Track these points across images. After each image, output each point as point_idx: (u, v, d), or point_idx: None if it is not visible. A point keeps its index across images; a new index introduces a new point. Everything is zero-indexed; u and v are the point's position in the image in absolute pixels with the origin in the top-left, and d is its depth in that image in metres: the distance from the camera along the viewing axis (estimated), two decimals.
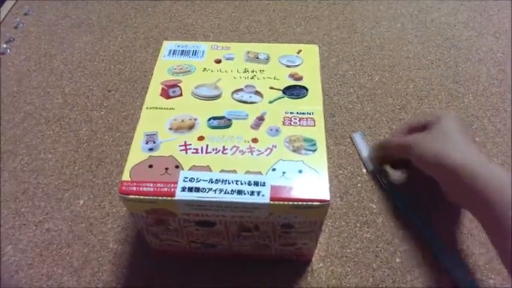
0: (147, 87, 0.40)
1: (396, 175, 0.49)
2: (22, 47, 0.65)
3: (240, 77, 0.40)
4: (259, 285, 0.42)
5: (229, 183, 0.32)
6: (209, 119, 0.37)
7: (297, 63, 0.42)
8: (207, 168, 0.33)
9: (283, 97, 0.39)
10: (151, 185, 0.32)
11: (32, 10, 0.71)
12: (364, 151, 0.51)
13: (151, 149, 0.35)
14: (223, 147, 0.35)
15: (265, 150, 0.34)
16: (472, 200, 0.38)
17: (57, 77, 0.61)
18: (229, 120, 0.37)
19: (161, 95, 0.39)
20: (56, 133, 0.54)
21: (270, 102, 0.38)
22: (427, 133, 0.42)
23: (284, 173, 0.33)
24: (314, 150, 0.35)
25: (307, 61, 0.42)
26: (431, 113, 0.47)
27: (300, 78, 0.40)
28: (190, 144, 0.35)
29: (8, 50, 0.65)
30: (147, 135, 0.36)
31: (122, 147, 0.52)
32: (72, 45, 0.66)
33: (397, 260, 0.43)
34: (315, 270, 0.42)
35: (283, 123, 0.36)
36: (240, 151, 0.34)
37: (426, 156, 0.40)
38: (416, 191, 0.47)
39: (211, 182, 0.32)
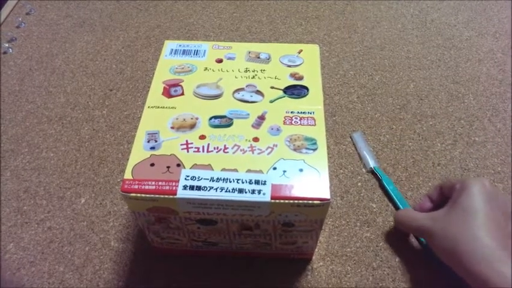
0: (149, 87, 0.40)
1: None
2: (24, 47, 0.66)
3: (241, 77, 0.41)
4: (259, 284, 0.42)
5: (230, 182, 0.33)
6: (210, 118, 0.37)
7: (297, 63, 0.42)
8: (209, 167, 0.33)
9: (284, 96, 0.39)
10: (153, 183, 0.33)
11: (34, 9, 0.72)
12: (364, 150, 0.51)
13: (153, 148, 0.35)
14: (225, 146, 0.35)
15: (266, 149, 0.35)
16: None
17: (59, 76, 0.61)
18: (231, 119, 0.37)
19: (163, 94, 0.39)
20: (58, 132, 0.54)
21: (271, 101, 0.39)
22: (447, 211, 0.37)
23: (285, 171, 0.33)
24: (315, 150, 0.35)
25: (308, 61, 0.42)
26: (457, 180, 0.40)
27: (301, 78, 0.41)
28: (191, 143, 0.35)
29: (10, 50, 0.65)
30: (148, 134, 0.36)
31: (124, 146, 0.53)
32: (74, 44, 0.66)
33: (397, 259, 0.43)
34: (315, 269, 0.43)
35: (284, 123, 0.37)
36: (241, 150, 0.35)
37: (443, 245, 0.36)
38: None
39: (213, 181, 0.33)
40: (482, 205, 0.36)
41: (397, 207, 0.46)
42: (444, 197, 0.41)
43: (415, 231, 0.42)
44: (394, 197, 0.47)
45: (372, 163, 0.50)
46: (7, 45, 0.65)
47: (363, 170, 0.50)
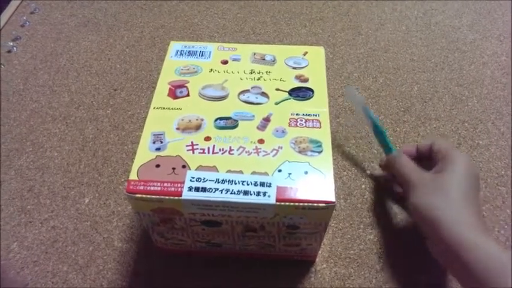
0: (153, 87, 0.40)
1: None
2: (28, 46, 0.66)
3: (247, 78, 0.41)
4: (262, 285, 0.42)
5: (235, 184, 0.33)
6: (216, 120, 0.37)
7: (303, 65, 0.42)
8: (214, 169, 0.34)
9: (289, 98, 0.39)
10: (159, 184, 0.33)
11: (38, 9, 0.72)
12: (360, 103, 0.48)
13: (158, 149, 0.35)
14: (230, 147, 0.35)
15: (271, 151, 0.35)
16: (460, 272, 0.36)
17: (64, 75, 0.61)
18: (236, 121, 0.37)
19: (168, 95, 0.39)
20: (62, 131, 0.55)
21: (276, 103, 0.39)
22: (433, 177, 0.39)
23: (290, 174, 0.33)
24: (320, 152, 0.35)
25: (313, 63, 0.42)
26: (447, 147, 0.41)
27: (306, 80, 0.41)
28: (197, 145, 0.35)
29: (15, 48, 0.65)
30: (154, 135, 0.36)
31: (128, 146, 0.53)
32: (78, 44, 0.66)
33: (401, 261, 0.43)
34: (319, 271, 0.43)
35: (289, 125, 0.37)
36: (246, 152, 0.35)
37: (420, 207, 0.38)
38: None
39: (218, 182, 0.33)
40: (469, 180, 0.38)
41: (386, 150, 0.46)
42: (432, 154, 0.42)
43: (401, 177, 0.42)
44: (386, 138, 0.46)
45: (361, 101, 0.48)
46: (12, 44, 0.65)
47: (367, 172, 0.50)
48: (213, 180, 0.33)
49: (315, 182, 0.33)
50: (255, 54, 0.43)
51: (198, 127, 0.36)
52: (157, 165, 0.34)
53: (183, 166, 0.34)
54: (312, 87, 0.40)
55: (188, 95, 0.39)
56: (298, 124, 0.37)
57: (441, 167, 0.39)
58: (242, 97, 0.39)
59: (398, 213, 0.47)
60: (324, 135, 0.36)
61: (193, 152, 0.35)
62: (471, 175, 0.39)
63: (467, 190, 0.38)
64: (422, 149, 0.44)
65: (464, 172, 0.38)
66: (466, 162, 0.39)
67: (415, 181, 0.40)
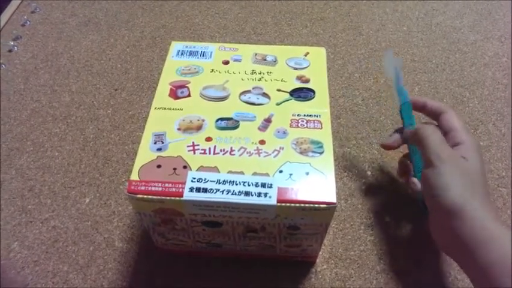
0: (154, 87, 0.40)
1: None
2: (29, 45, 0.66)
3: (248, 79, 0.41)
4: (263, 285, 0.42)
5: (236, 185, 0.33)
6: (217, 120, 0.37)
7: (304, 66, 0.42)
8: (215, 169, 0.34)
9: (290, 99, 0.39)
10: (160, 184, 0.33)
11: (39, 8, 0.72)
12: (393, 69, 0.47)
13: (159, 149, 0.35)
14: (231, 148, 0.35)
15: (273, 152, 0.35)
16: (470, 265, 0.35)
17: (64, 75, 0.61)
18: (237, 121, 0.37)
19: (169, 95, 0.39)
20: (63, 131, 0.55)
21: (278, 104, 0.39)
22: (461, 161, 0.37)
23: (291, 175, 0.33)
24: (321, 153, 0.35)
25: (315, 64, 0.42)
26: (462, 131, 0.40)
27: (307, 81, 0.41)
28: (198, 145, 0.35)
29: (15, 48, 0.65)
30: (155, 135, 0.36)
31: (128, 146, 0.53)
32: (79, 43, 0.66)
33: (401, 263, 0.43)
34: (319, 272, 0.43)
35: (291, 125, 0.37)
36: (247, 152, 0.35)
37: (448, 190, 0.35)
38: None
39: (219, 183, 0.33)
40: (481, 166, 0.38)
41: (406, 125, 0.45)
42: (441, 126, 0.42)
43: (428, 145, 0.38)
44: (411, 112, 0.45)
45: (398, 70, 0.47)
46: (12, 43, 0.65)
47: (368, 173, 0.50)
48: (214, 181, 0.33)
49: (316, 182, 0.33)
50: (256, 54, 0.43)
51: (199, 127, 0.36)
52: (159, 166, 0.34)
53: (184, 167, 0.34)
54: (313, 88, 0.40)
55: (189, 95, 0.39)
56: (299, 125, 0.37)
57: (461, 152, 0.38)
58: (243, 98, 0.39)
59: (398, 214, 0.47)
60: (325, 136, 0.36)
61: (194, 153, 0.35)
62: (483, 163, 0.39)
63: (485, 180, 0.37)
64: (432, 109, 0.44)
65: (481, 161, 0.38)
66: (479, 148, 0.39)
67: (444, 157, 0.37)
